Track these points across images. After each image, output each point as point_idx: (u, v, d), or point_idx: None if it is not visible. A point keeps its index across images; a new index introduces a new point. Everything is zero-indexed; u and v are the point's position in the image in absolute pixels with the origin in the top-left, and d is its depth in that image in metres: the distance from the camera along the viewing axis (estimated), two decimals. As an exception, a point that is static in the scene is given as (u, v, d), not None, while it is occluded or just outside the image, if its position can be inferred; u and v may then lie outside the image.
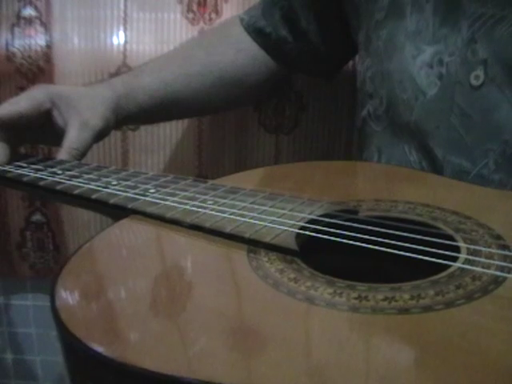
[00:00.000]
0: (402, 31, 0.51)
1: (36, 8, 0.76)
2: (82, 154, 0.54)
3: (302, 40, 0.65)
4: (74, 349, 0.29)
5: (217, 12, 0.74)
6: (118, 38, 0.75)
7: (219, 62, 0.64)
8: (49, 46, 0.75)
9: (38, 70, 0.76)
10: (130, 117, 0.59)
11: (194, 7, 0.75)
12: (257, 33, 0.65)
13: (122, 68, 0.75)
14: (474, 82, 0.47)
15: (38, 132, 0.56)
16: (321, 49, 0.65)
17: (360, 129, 0.59)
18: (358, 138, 0.60)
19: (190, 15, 0.75)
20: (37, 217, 0.81)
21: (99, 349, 0.27)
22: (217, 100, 0.66)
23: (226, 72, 0.64)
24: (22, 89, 0.75)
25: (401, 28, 0.51)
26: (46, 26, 0.76)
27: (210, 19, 0.74)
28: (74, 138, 0.53)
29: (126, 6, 0.75)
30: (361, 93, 0.58)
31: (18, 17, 0.76)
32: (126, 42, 0.75)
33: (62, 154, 0.53)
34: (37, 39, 0.76)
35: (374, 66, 0.55)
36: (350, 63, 0.71)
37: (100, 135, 0.56)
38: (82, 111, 0.54)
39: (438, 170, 0.49)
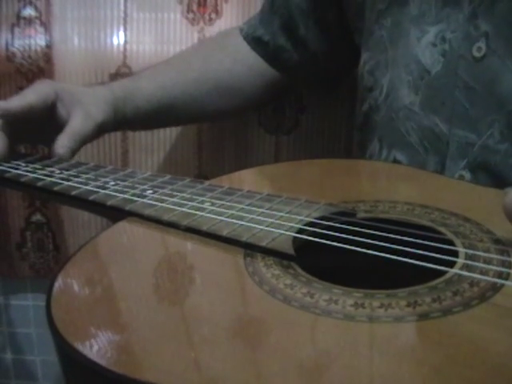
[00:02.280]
0: (406, 17, 0.52)
1: (36, 8, 0.76)
2: (82, 142, 0.54)
3: (300, 48, 0.65)
4: (68, 354, 0.29)
5: (217, 12, 0.74)
6: (118, 38, 0.75)
7: (216, 70, 0.64)
8: (49, 46, 0.75)
9: (38, 70, 0.75)
10: (128, 119, 0.59)
11: (194, 7, 0.74)
12: (256, 41, 0.65)
13: (122, 68, 0.75)
14: (476, 54, 0.47)
15: (40, 127, 0.55)
16: (319, 57, 0.65)
17: (362, 125, 0.59)
18: (360, 135, 0.60)
19: (190, 15, 0.74)
20: (37, 217, 0.81)
21: (94, 356, 0.27)
22: (213, 108, 0.66)
23: (222, 80, 0.64)
24: (21, 89, 0.74)
25: (405, 14, 0.52)
26: (46, 26, 0.75)
27: (210, 19, 0.74)
28: (77, 124, 0.54)
29: (125, 6, 0.75)
30: (359, 89, 0.59)
31: (18, 17, 0.76)
32: (125, 42, 0.75)
33: (64, 137, 0.53)
34: (37, 39, 0.75)
35: (375, 58, 0.55)
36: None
37: (100, 129, 0.56)
38: (85, 104, 0.55)
39: (442, 145, 0.50)
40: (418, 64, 0.51)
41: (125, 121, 0.59)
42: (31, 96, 0.53)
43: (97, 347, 0.28)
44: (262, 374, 0.26)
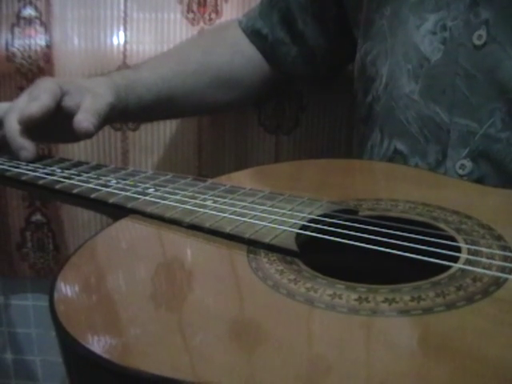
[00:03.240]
0: (405, 5, 0.52)
1: (36, 8, 0.76)
2: (99, 117, 0.52)
3: (298, 42, 0.65)
4: (74, 353, 0.29)
5: (217, 12, 0.74)
6: (118, 38, 0.75)
7: (215, 62, 0.64)
8: (49, 46, 0.75)
9: (38, 70, 0.76)
10: (129, 109, 0.59)
11: (194, 7, 0.74)
12: (254, 34, 0.66)
13: (122, 68, 0.75)
14: (476, 42, 0.47)
15: (48, 125, 0.55)
16: (317, 51, 0.65)
17: (365, 117, 0.59)
18: (363, 128, 0.59)
19: (190, 15, 0.75)
20: (37, 217, 0.81)
21: (100, 353, 0.27)
22: (212, 99, 0.66)
23: (221, 72, 0.65)
24: (21, 89, 0.75)
25: (404, 2, 0.52)
26: (46, 26, 0.76)
27: (210, 19, 0.74)
28: (89, 103, 0.53)
29: (126, 6, 0.75)
30: (361, 80, 0.58)
31: (18, 17, 0.76)
32: (125, 42, 0.75)
33: (81, 113, 0.52)
34: (37, 39, 0.76)
35: (376, 48, 0.55)
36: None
37: (111, 109, 0.55)
38: (91, 89, 0.55)
39: (443, 134, 0.50)
40: (417, 52, 0.51)
41: (127, 110, 0.58)
42: (46, 97, 0.52)
43: (101, 342, 0.28)
44: (265, 366, 0.26)
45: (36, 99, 0.51)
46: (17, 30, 0.76)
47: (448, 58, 0.49)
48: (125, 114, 0.59)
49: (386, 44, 0.54)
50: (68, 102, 0.54)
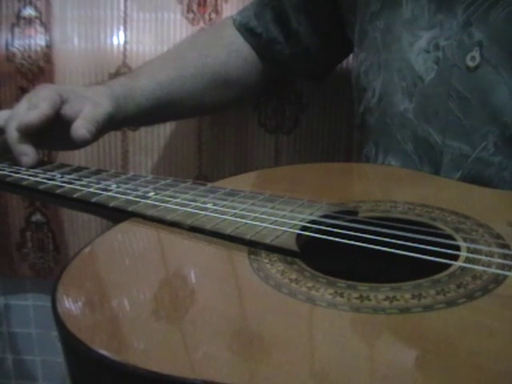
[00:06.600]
0: (398, 20, 0.52)
1: (36, 8, 0.76)
2: (97, 126, 0.52)
3: (292, 41, 0.65)
4: (77, 353, 0.29)
5: (217, 12, 0.74)
6: (118, 38, 0.75)
7: (212, 64, 0.64)
8: (49, 46, 0.75)
9: (38, 70, 0.76)
10: (129, 117, 0.59)
11: (194, 7, 0.75)
12: (249, 33, 0.66)
13: (122, 68, 0.75)
14: (470, 64, 0.47)
15: (46, 132, 0.55)
16: (311, 50, 0.66)
17: (360, 126, 0.59)
18: (359, 135, 0.60)
19: (190, 15, 0.75)
20: (37, 217, 0.81)
21: (103, 352, 0.27)
22: (211, 100, 0.66)
23: (218, 73, 0.65)
24: (22, 89, 0.76)
25: (397, 17, 0.52)
26: (46, 26, 0.76)
27: (210, 19, 0.75)
28: (89, 111, 0.53)
29: (126, 6, 0.75)
30: (356, 89, 0.59)
31: (18, 17, 0.76)
32: (125, 42, 0.75)
33: (80, 120, 0.51)
34: (37, 39, 0.76)
35: (369, 59, 0.55)
36: (350, 63, 0.71)
37: (110, 119, 0.55)
38: (91, 97, 0.55)
39: (436, 156, 0.49)
40: (411, 70, 0.50)
41: (127, 118, 0.59)
42: (45, 105, 0.51)
43: (103, 340, 0.29)
44: (269, 364, 0.26)
45: (35, 107, 0.51)
46: (17, 29, 0.76)
47: (441, 78, 0.48)
48: (124, 121, 0.59)
49: (379, 57, 0.53)
50: (67, 110, 0.53)
